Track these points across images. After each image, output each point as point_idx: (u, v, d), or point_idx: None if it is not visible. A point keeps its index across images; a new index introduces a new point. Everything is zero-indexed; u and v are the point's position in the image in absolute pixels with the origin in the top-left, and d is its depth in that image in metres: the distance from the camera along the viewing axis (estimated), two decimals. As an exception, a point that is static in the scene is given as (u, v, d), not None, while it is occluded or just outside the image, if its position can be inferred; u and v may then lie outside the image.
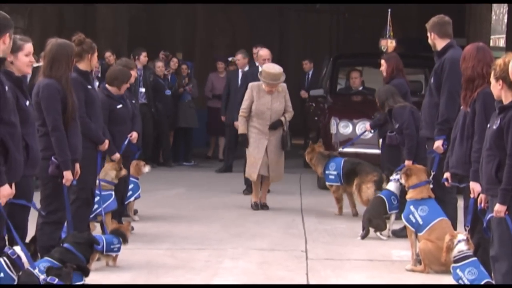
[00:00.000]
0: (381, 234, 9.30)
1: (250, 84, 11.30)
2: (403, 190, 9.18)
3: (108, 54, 15.69)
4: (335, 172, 10.75)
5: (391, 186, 9.53)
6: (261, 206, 11.20)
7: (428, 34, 8.51)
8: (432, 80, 8.49)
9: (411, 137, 9.51)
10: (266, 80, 10.87)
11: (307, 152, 11.24)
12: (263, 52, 12.49)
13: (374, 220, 9.33)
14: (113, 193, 8.89)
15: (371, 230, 9.32)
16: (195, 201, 11.85)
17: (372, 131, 11.50)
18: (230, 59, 17.37)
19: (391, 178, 9.62)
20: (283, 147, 11.12)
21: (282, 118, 11.05)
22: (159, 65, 15.81)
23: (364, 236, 9.32)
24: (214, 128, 16.79)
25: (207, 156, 17.33)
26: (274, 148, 11.06)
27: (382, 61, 10.71)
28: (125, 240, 7.83)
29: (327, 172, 10.85)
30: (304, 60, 18.28)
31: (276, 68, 10.99)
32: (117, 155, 8.82)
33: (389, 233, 9.44)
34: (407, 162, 9.21)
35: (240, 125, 11.19)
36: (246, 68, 14.20)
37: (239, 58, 14.56)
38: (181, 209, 11.21)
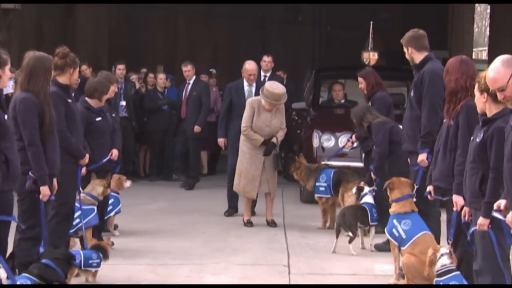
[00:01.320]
0: (351, 244, 9.13)
1: (249, 100, 11.05)
2: (379, 203, 9.21)
3: (84, 67, 15.26)
4: (325, 184, 10.70)
5: (369, 198, 9.53)
6: (268, 223, 10.97)
7: (405, 49, 8.44)
8: (412, 93, 8.44)
9: (381, 156, 9.63)
10: (269, 99, 10.63)
11: (294, 168, 11.14)
12: (250, 67, 11.97)
13: (348, 216, 9.27)
14: (95, 208, 8.78)
15: (347, 243, 9.20)
16: (176, 216, 11.75)
17: (356, 143, 11.48)
18: (211, 70, 17.35)
19: (364, 192, 9.60)
20: (274, 168, 10.95)
21: (274, 139, 10.83)
22: (161, 76, 15.73)
23: (337, 234, 9.25)
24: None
25: (203, 174, 16.17)
26: (272, 163, 10.91)
27: (360, 79, 10.62)
28: (106, 256, 7.73)
29: (317, 184, 10.79)
30: (277, 72, 18.00)
31: (280, 88, 10.74)
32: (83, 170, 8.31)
33: (371, 248, 9.40)
34: (373, 177, 9.52)
35: (255, 137, 10.73)
36: (192, 80, 14.78)
37: (186, 69, 14.84)
38: (162, 223, 11.11)
